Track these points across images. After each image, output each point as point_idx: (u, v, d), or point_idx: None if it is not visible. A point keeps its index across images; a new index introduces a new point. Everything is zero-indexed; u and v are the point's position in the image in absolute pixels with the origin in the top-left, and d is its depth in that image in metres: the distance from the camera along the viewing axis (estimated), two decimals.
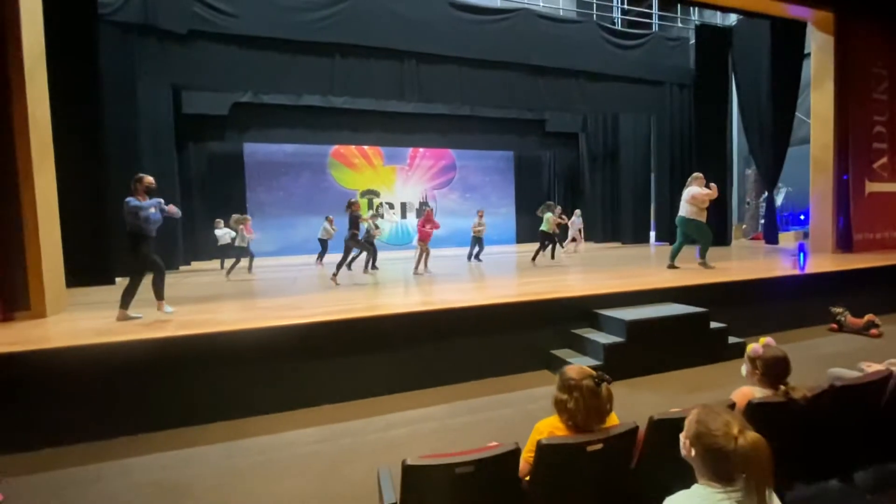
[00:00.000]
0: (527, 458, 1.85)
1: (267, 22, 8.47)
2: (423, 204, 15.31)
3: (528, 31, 10.18)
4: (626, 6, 12.59)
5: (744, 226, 15.02)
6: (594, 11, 12.08)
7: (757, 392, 2.15)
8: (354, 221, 7.51)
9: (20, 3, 4.69)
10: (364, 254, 8.71)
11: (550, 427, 1.90)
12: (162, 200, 4.69)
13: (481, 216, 10.48)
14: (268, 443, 3.38)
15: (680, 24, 13.04)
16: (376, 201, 14.98)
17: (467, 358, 4.48)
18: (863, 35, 8.53)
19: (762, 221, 13.55)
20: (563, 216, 11.08)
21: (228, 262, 9.29)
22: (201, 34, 8.24)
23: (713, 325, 4.89)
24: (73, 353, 3.52)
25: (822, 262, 7.40)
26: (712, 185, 6.90)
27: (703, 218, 6.91)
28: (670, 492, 1.36)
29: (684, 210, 6.97)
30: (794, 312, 5.97)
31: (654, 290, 5.40)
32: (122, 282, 5.16)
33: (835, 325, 5.82)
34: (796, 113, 10.50)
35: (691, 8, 12.63)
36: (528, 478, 1.83)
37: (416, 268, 8.28)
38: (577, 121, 15.61)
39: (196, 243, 11.97)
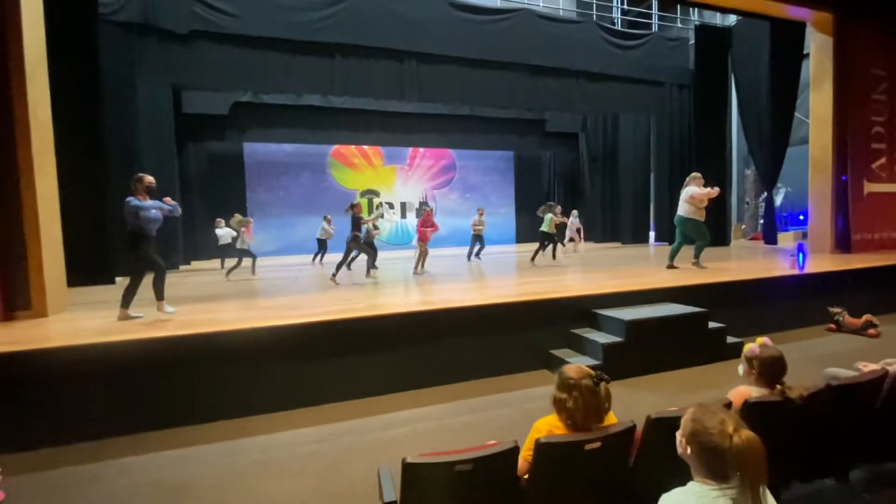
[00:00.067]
0: (525, 456, 1.86)
1: (267, 22, 8.49)
2: (423, 204, 15.31)
3: (527, 31, 10.20)
4: (625, 6, 12.60)
5: (743, 226, 15.02)
6: (594, 12, 12.08)
7: (753, 391, 2.16)
8: (356, 223, 7.52)
9: (21, 3, 4.70)
10: (364, 257, 8.70)
11: (549, 426, 1.92)
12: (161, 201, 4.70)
13: (481, 214, 10.51)
14: (267, 442, 3.38)
15: (680, 25, 13.04)
16: (376, 201, 14.99)
17: (466, 358, 4.50)
18: (862, 36, 8.54)
19: (761, 221, 13.56)
20: (564, 216, 11.08)
21: (229, 262, 9.28)
22: (201, 34, 8.26)
23: (712, 325, 4.91)
24: (74, 353, 3.53)
25: (821, 262, 7.42)
26: (715, 188, 6.89)
27: (701, 217, 6.93)
28: (667, 489, 1.38)
29: (683, 210, 6.99)
30: (792, 312, 6.00)
31: (653, 290, 5.42)
32: (122, 281, 5.16)
33: (833, 325, 5.84)
34: (795, 113, 10.52)
35: (691, 8, 12.63)
36: (526, 476, 1.85)
37: (416, 268, 8.31)
38: (576, 121, 15.62)
39: (196, 243, 11.99)
